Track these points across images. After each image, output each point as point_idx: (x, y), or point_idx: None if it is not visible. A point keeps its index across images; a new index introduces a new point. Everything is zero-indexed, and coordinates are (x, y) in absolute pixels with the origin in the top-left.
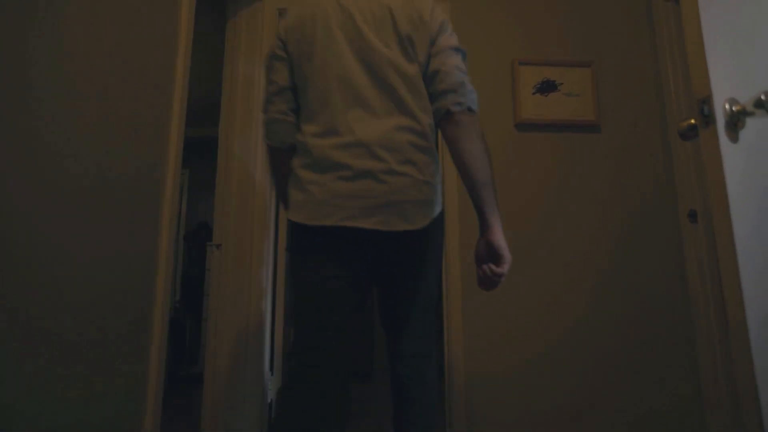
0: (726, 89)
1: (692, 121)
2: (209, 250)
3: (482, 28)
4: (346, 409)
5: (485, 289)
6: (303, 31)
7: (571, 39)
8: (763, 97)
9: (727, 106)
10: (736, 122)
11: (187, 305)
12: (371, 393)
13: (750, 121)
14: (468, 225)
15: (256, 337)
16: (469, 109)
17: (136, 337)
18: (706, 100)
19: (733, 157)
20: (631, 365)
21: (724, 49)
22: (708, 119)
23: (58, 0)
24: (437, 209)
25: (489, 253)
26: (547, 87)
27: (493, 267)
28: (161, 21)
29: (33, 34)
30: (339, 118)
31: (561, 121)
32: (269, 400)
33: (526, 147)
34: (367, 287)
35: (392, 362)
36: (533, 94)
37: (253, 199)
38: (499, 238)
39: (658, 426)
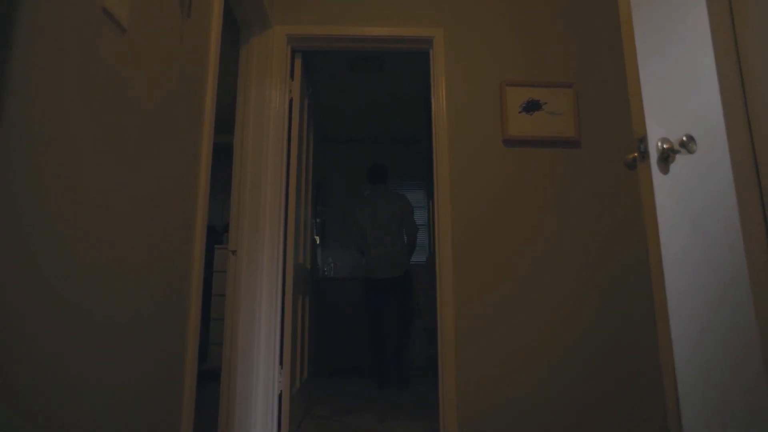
0: (660, 129)
1: (635, 154)
2: (218, 253)
3: (473, 53)
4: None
5: None
6: (362, 207)
7: (554, 62)
8: (684, 138)
9: (659, 144)
10: (667, 157)
11: None
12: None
13: (680, 156)
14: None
15: (267, 334)
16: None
17: None
18: (643, 139)
19: (665, 185)
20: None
21: (661, 95)
22: (644, 154)
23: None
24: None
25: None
26: (532, 106)
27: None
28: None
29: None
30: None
31: (545, 138)
32: (279, 392)
33: (513, 161)
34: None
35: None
36: (519, 112)
37: (264, 210)
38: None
39: None
